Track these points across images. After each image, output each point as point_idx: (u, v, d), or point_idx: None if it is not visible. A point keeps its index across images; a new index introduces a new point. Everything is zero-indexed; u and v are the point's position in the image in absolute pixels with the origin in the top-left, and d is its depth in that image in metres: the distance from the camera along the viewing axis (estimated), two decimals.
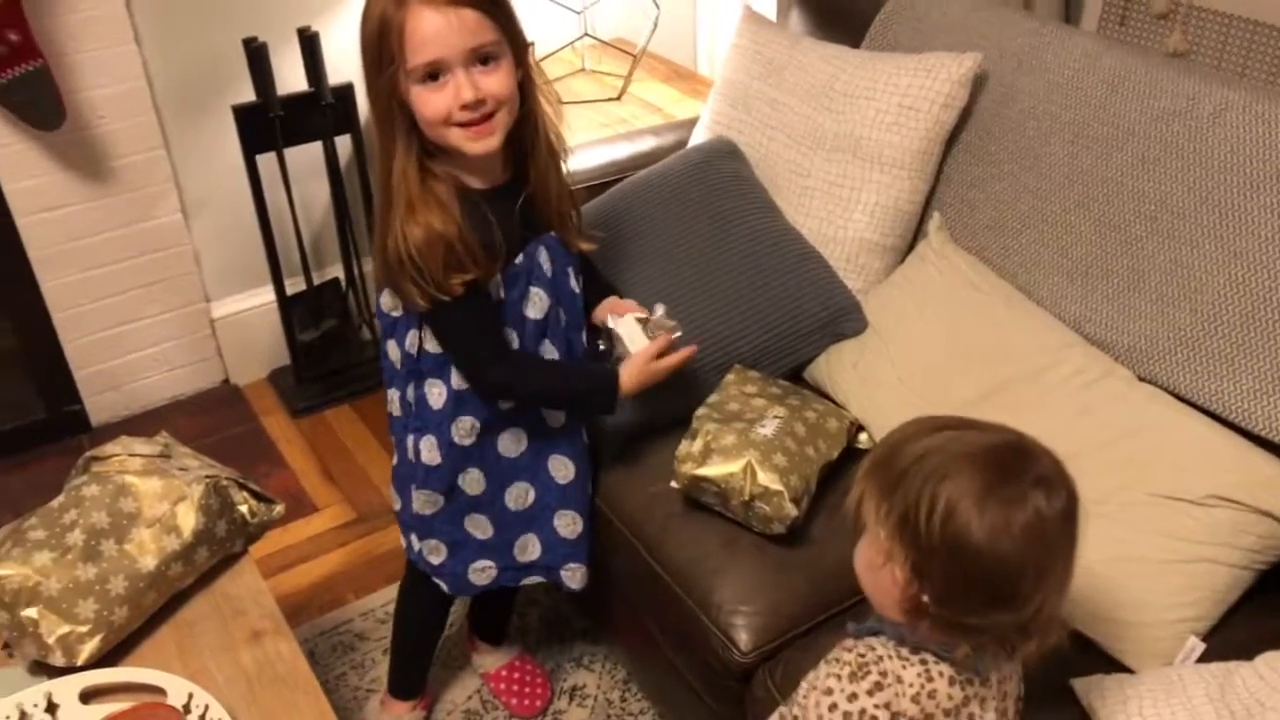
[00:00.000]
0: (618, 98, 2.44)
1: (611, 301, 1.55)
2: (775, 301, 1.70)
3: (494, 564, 1.56)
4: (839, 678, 0.98)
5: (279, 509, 1.46)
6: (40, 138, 2.12)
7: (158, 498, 1.34)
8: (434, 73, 1.24)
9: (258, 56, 2.17)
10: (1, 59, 1.94)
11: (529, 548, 1.55)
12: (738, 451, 1.42)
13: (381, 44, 1.24)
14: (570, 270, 1.47)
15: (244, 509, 1.41)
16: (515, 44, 1.30)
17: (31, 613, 1.22)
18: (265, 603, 1.36)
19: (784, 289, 1.71)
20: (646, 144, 2.10)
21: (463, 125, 1.27)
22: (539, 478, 1.51)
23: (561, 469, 1.52)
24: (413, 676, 1.76)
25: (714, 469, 1.43)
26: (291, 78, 2.28)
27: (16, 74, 1.96)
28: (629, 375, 1.44)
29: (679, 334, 1.49)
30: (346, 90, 2.33)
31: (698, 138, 2.00)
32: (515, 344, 1.43)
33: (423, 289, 1.30)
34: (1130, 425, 1.39)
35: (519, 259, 1.39)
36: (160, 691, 1.19)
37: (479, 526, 1.53)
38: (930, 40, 1.82)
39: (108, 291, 2.34)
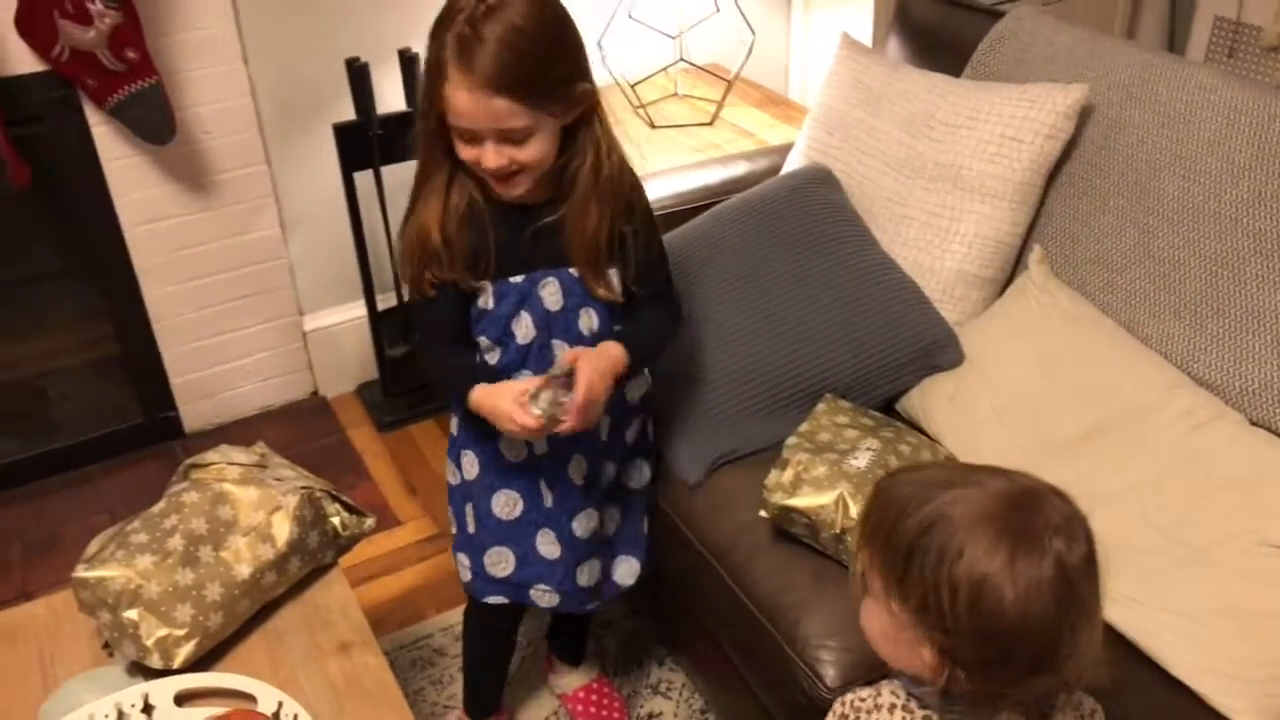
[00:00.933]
0: (710, 122, 2.44)
1: (580, 350, 1.37)
2: (869, 331, 1.68)
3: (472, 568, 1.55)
4: None
5: (370, 522, 1.47)
6: (150, 151, 2.19)
7: (254, 507, 1.36)
8: (466, 136, 1.26)
9: (359, 76, 2.21)
10: (119, 76, 2.01)
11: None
12: (830, 483, 1.40)
13: (429, 83, 1.25)
14: (587, 311, 1.40)
15: (336, 521, 1.43)
16: (559, 105, 1.26)
17: (133, 614, 1.24)
18: (354, 615, 1.37)
19: (878, 318, 1.69)
20: (739, 169, 2.09)
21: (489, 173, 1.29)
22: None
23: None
24: (485, 694, 1.76)
25: (805, 500, 1.41)
26: (390, 98, 2.32)
27: (133, 90, 2.03)
28: (483, 395, 1.36)
29: (542, 410, 1.31)
30: None
31: (792, 164, 1.99)
32: (496, 357, 1.41)
33: (406, 279, 1.38)
34: (1243, 472, 1.34)
35: (519, 278, 1.37)
36: (251, 698, 1.21)
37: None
38: (1035, 70, 1.79)
39: (206, 302, 2.40)
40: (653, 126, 2.43)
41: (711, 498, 1.59)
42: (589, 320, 1.41)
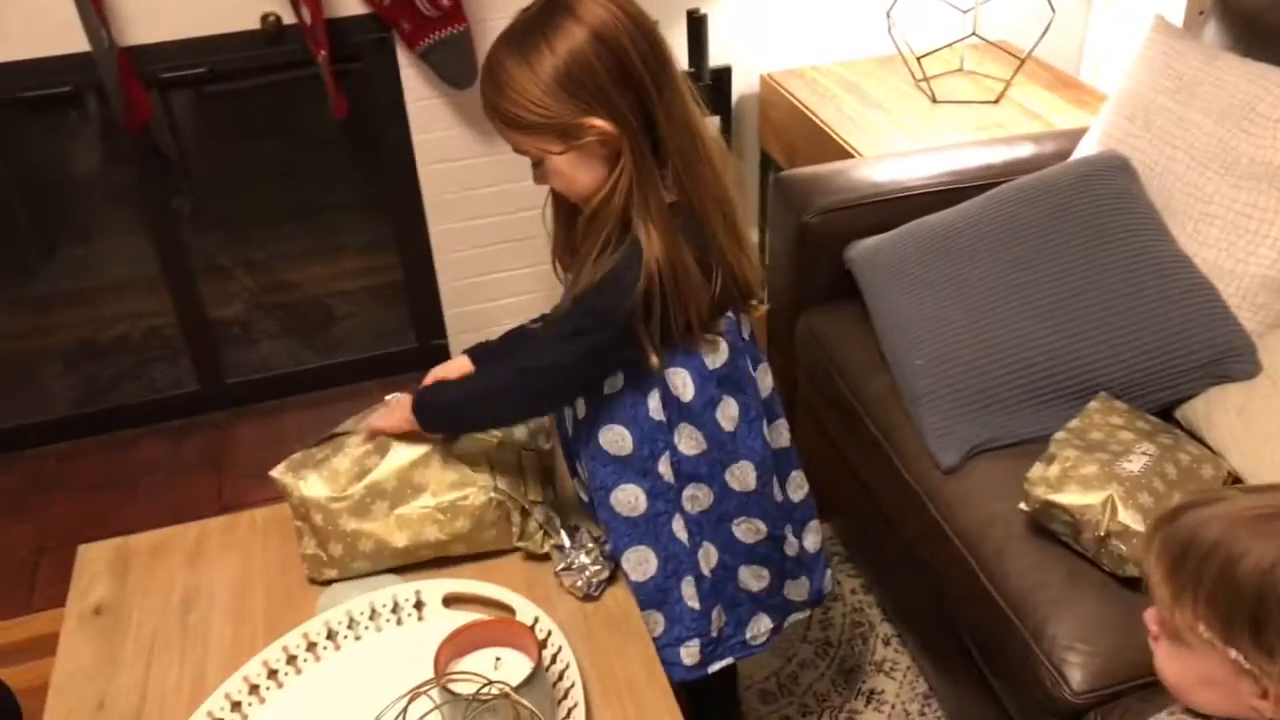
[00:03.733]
0: (996, 101, 2.35)
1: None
2: (1154, 330, 1.59)
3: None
4: None
5: (548, 544, 1.39)
6: (451, 95, 2.33)
7: (446, 487, 1.35)
8: None
9: (698, 26, 2.26)
10: (432, 21, 2.16)
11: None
12: (1099, 484, 1.35)
13: None
14: None
15: (516, 530, 1.38)
16: (548, 138, 1.18)
17: (298, 523, 1.36)
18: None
19: (1166, 318, 1.59)
20: (1024, 150, 2.01)
21: None
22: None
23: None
24: None
25: (1070, 498, 1.36)
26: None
27: (442, 36, 2.17)
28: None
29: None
30: (724, 72, 2.39)
31: (1086, 150, 1.90)
32: None
33: None
34: None
35: None
36: (510, 610, 1.29)
37: None
38: None
39: (484, 241, 2.54)
40: (934, 101, 2.37)
41: (966, 484, 1.56)
42: None
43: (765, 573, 1.40)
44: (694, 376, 1.28)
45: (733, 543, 1.37)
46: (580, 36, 1.12)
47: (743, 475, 1.34)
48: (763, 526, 1.37)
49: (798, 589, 1.46)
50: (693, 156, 1.20)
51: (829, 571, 1.51)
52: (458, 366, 1.45)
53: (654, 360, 1.23)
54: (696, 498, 1.34)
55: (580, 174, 1.19)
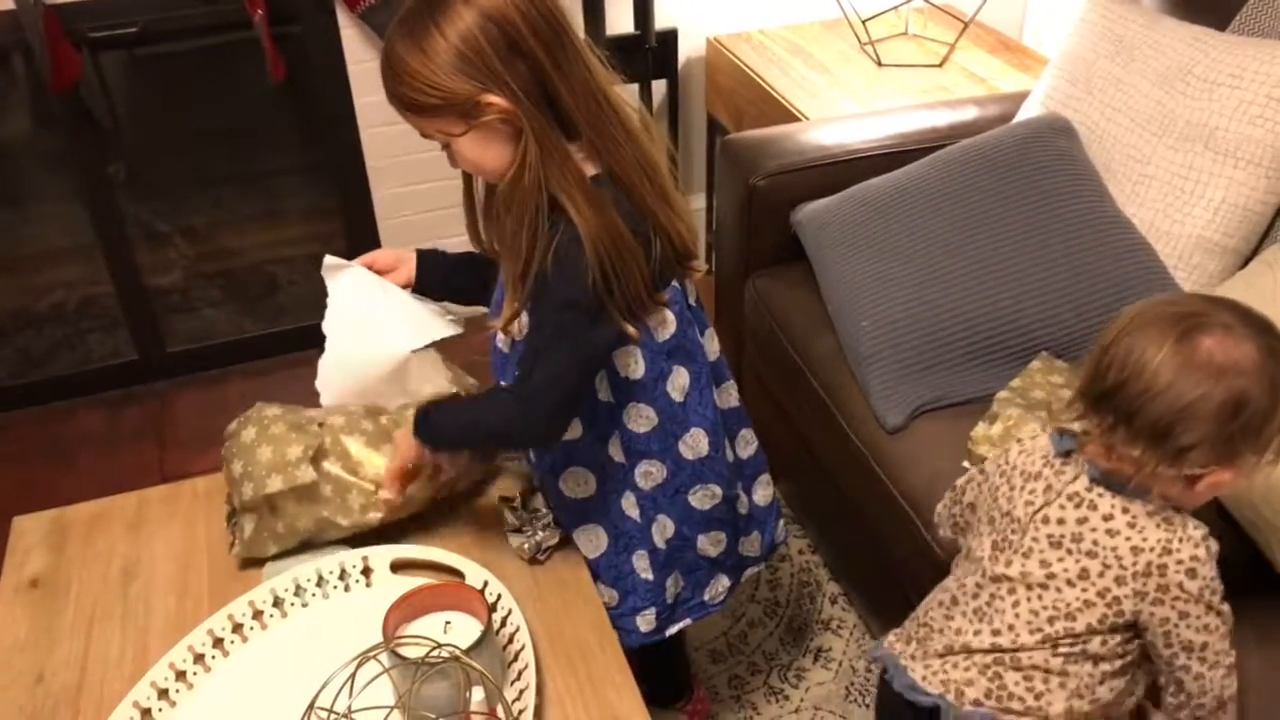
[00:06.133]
0: (940, 64, 2.36)
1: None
2: (1094, 290, 1.62)
3: None
4: None
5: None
6: None
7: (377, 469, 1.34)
8: None
9: None
10: None
11: None
12: None
13: None
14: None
15: None
16: (448, 118, 1.15)
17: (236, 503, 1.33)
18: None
19: (1106, 279, 1.62)
20: (968, 113, 2.03)
21: None
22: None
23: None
24: None
25: None
26: (619, 20, 2.35)
27: None
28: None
29: None
30: (670, 35, 2.38)
31: (1028, 112, 1.92)
32: None
33: None
34: None
35: None
36: (459, 574, 1.29)
37: None
38: None
39: (428, 206, 2.51)
40: (879, 65, 2.37)
41: (910, 443, 1.58)
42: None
43: (722, 536, 1.41)
44: (644, 352, 1.27)
45: (690, 513, 1.38)
46: (468, 16, 1.11)
47: (695, 443, 1.34)
48: (718, 490, 1.37)
49: (750, 544, 1.48)
50: (604, 124, 1.18)
51: (780, 523, 1.53)
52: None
53: (631, 331, 1.23)
54: (650, 473, 1.34)
55: (486, 154, 1.18)
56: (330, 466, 1.32)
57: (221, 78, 2.47)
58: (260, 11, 2.07)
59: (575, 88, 1.16)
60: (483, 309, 1.41)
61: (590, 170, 1.20)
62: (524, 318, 1.24)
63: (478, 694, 1.08)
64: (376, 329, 1.40)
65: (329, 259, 1.40)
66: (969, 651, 1.15)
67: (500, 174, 1.18)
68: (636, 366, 1.28)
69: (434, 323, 1.40)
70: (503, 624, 1.22)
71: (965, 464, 1.44)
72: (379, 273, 1.41)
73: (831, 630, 1.90)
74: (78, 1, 2.07)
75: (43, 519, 1.43)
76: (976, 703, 1.13)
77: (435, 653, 1.07)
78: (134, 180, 2.48)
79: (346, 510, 1.32)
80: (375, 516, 1.33)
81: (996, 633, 1.13)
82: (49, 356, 2.57)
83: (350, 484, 1.32)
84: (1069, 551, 1.09)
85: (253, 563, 1.34)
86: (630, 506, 1.35)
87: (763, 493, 1.49)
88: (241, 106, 2.53)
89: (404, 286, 1.42)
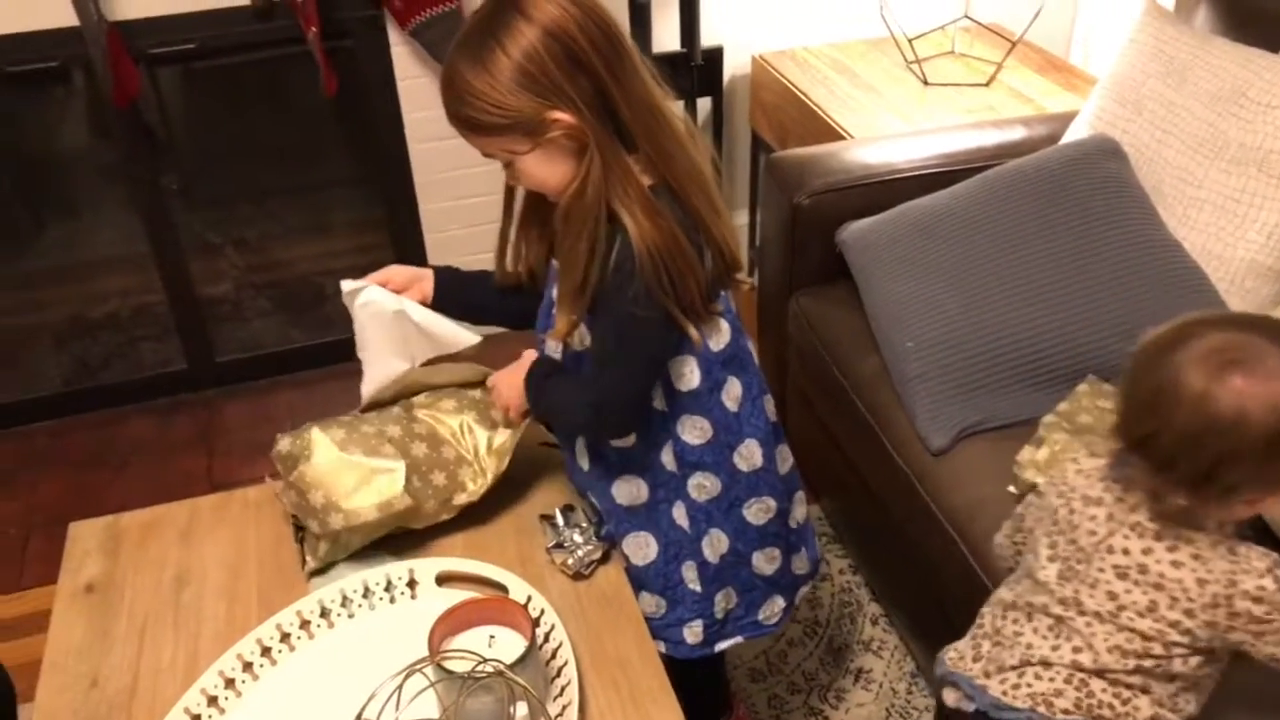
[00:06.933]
0: (987, 83, 2.36)
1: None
2: (1143, 313, 1.60)
3: None
4: None
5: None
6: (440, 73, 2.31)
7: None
8: None
9: (640, 14, 2.26)
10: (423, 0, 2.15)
11: None
12: None
13: None
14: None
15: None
16: (514, 136, 1.16)
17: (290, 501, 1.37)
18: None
19: (1155, 301, 1.61)
20: (1015, 134, 2.02)
21: None
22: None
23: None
24: None
25: None
26: (665, 37, 2.36)
27: (434, 14, 2.17)
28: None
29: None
30: (715, 53, 2.39)
31: (1076, 133, 1.90)
32: None
33: None
34: None
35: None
36: (503, 588, 1.30)
37: None
38: None
39: (474, 221, 2.54)
40: (925, 84, 2.37)
41: (955, 466, 1.57)
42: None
43: (776, 552, 1.42)
44: (699, 362, 1.28)
45: (745, 528, 1.38)
46: (530, 33, 1.11)
47: (749, 454, 1.35)
48: (773, 504, 1.38)
49: (800, 561, 1.48)
50: (660, 137, 1.20)
51: (816, 541, 1.53)
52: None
53: (694, 333, 1.25)
54: (704, 486, 1.35)
55: (551, 171, 1.19)
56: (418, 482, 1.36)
57: (275, 91, 2.52)
58: (314, 28, 2.11)
59: (633, 100, 1.17)
60: (500, 329, 1.43)
61: (646, 181, 1.21)
62: (582, 329, 1.26)
63: (521, 709, 1.09)
64: (403, 340, 1.43)
65: (345, 283, 1.43)
66: (1047, 664, 1.14)
67: (563, 189, 1.20)
68: (692, 376, 1.29)
69: (459, 331, 1.43)
70: (546, 639, 1.23)
71: (1011, 488, 1.44)
72: (395, 291, 1.43)
73: (872, 651, 1.90)
74: (139, 20, 2.12)
75: (97, 525, 1.46)
76: (1066, 712, 1.12)
77: (480, 667, 1.08)
78: (187, 192, 2.53)
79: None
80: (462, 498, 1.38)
81: (1077, 650, 1.11)
82: (103, 364, 2.62)
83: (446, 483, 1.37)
84: (1135, 583, 1.08)
85: (318, 571, 1.37)
86: (681, 516, 1.36)
87: (801, 510, 1.49)
88: (293, 120, 2.57)
89: (420, 303, 1.44)
